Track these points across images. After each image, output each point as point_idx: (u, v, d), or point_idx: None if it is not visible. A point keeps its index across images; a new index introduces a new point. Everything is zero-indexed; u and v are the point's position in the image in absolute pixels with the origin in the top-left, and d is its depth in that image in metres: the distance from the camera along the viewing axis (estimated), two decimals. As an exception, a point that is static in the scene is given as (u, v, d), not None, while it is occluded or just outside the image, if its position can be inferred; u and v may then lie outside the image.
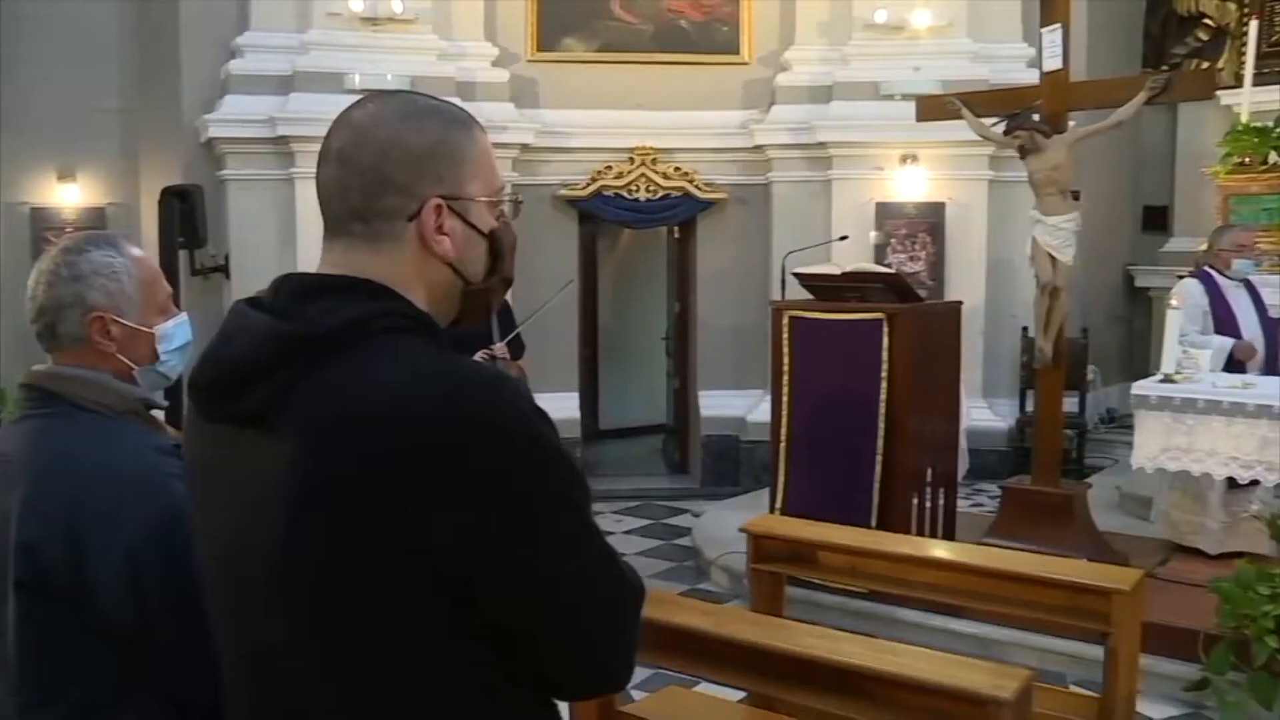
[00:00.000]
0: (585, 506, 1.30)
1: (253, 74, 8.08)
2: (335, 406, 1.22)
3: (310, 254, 7.79)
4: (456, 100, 7.23)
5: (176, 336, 1.98)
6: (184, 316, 2.02)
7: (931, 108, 6.58)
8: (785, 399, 5.98)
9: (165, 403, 2.00)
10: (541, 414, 1.26)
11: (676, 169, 8.88)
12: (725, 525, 6.92)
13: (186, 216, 7.28)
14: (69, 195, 8.53)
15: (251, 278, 7.16)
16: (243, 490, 1.31)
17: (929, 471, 5.82)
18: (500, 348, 5.94)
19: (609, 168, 8.83)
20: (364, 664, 1.26)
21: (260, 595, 1.31)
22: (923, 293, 6.84)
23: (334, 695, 1.28)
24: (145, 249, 2.03)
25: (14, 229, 8.42)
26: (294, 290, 1.33)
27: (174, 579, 1.69)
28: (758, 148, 8.86)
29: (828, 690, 3.28)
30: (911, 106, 6.83)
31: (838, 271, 6.03)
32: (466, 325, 1.45)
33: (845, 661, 3.21)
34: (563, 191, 8.80)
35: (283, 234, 7.88)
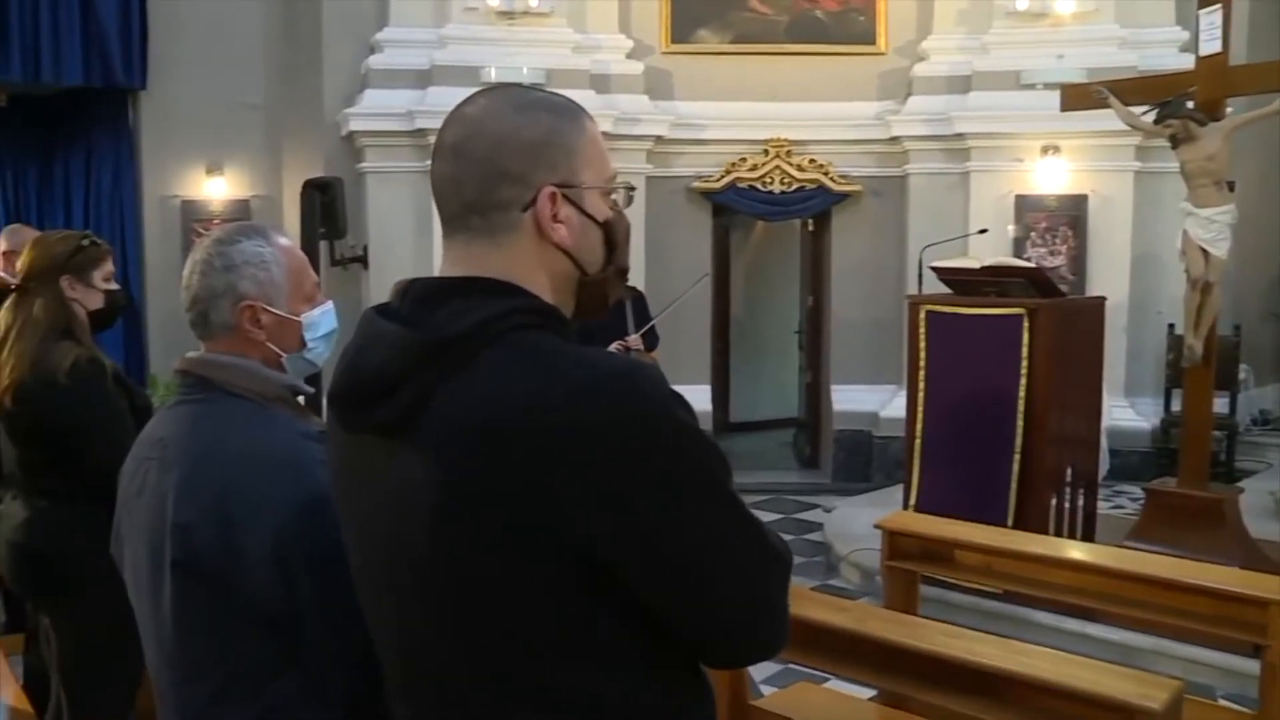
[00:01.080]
0: (727, 482, 1.30)
1: (392, 69, 8.25)
2: (472, 410, 1.23)
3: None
4: (590, 93, 7.36)
5: (323, 324, 2.02)
6: (330, 305, 2.05)
7: (1076, 97, 6.38)
8: (920, 394, 5.88)
9: (311, 389, 2.04)
10: (679, 399, 1.26)
11: (811, 161, 8.78)
12: (856, 521, 6.84)
13: (327, 208, 7.47)
14: (216, 188, 8.85)
15: (389, 268, 7.34)
16: (387, 499, 1.32)
17: (1068, 471, 5.66)
18: (635, 339, 5.96)
19: (743, 160, 8.79)
20: (516, 661, 1.27)
21: (411, 601, 1.33)
22: (1063, 288, 6.64)
23: (488, 693, 1.29)
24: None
25: (166, 221, 8.79)
26: (421, 295, 1.34)
27: (321, 562, 1.72)
28: (894, 139, 8.72)
29: (962, 691, 3.20)
30: (1053, 96, 6.65)
31: (977, 265, 5.90)
32: (584, 319, 1.44)
33: (982, 663, 3.13)
34: (696, 184, 8.79)
35: (420, 225, 8.03)
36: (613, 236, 1.41)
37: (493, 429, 1.21)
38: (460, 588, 1.26)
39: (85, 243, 3.22)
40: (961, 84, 8.51)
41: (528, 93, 1.41)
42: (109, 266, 3.27)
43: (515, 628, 1.26)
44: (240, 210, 8.83)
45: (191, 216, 8.79)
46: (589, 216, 1.38)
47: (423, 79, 8.17)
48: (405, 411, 1.27)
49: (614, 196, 1.42)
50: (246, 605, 1.76)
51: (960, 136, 8.40)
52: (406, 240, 8.04)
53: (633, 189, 1.52)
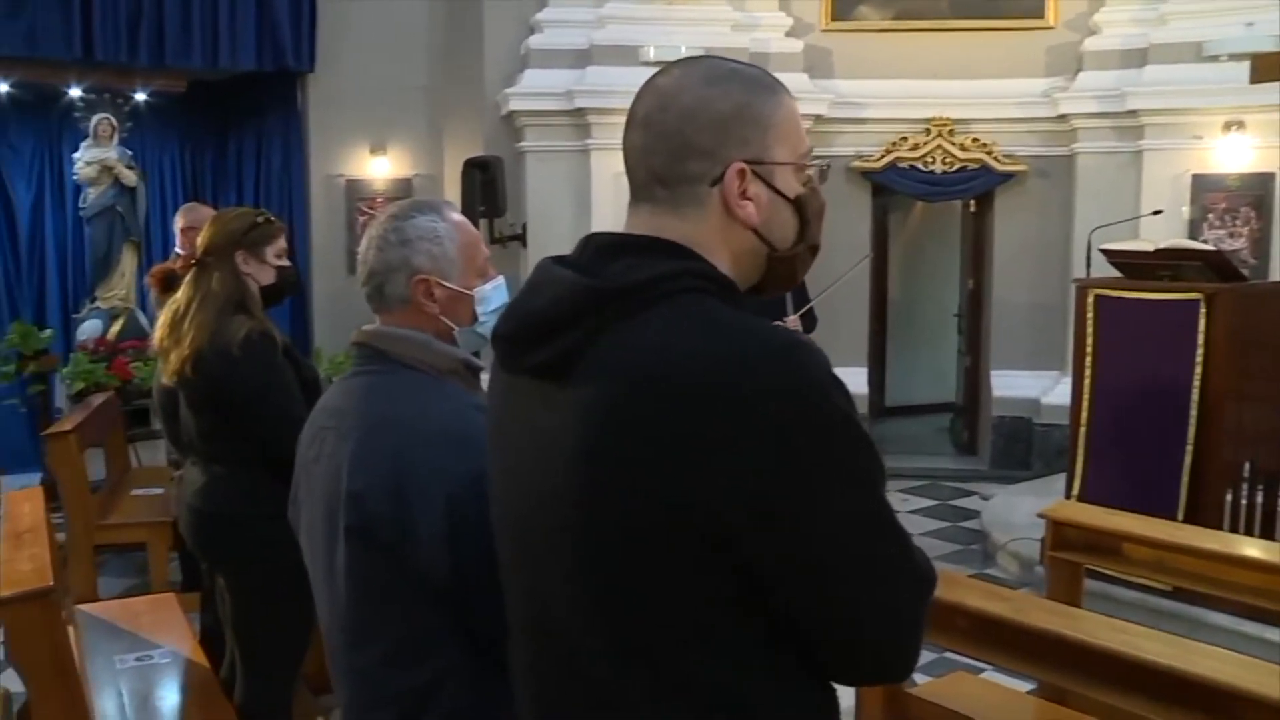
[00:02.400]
0: (877, 484, 1.26)
1: (551, 49, 8.32)
2: (631, 363, 1.23)
3: (604, 223, 8.03)
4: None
5: (494, 299, 2.04)
6: (501, 279, 2.08)
7: (1270, 67, 6.00)
8: (1087, 381, 5.68)
9: (483, 364, 2.07)
10: (838, 383, 1.22)
11: (974, 140, 8.55)
12: (1016, 510, 6.68)
13: (487, 187, 7.59)
14: (380, 168, 9.08)
15: (547, 246, 7.39)
16: (537, 442, 1.33)
17: (1247, 466, 5.39)
18: (793, 321, 5.91)
19: (904, 139, 8.61)
20: (636, 629, 1.26)
21: (543, 550, 1.33)
22: (1245, 272, 6.33)
23: (605, 651, 1.29)
24: (459, 217, 2.10)
25: (331, 199, 9.06)
26: (599, 248, 1.34)
27: (489, 533, 1.73)
28: (1061, 117, 8.41)
29: (1128, 689, 3.09)
30: (1238, 68, 6.31)
31: (1150, 248, 5.66)
32: (771, 294, 1.43)
33: (1154, 661, 3.01)
34: (856, 163, 8.64)
35: (578, 204, 8.10)
36: (805, 213, 1.39)
37: (646, 383, 1.21)
38: (590, 541, 1.26)
39: (260, 219, 3.33)
40: (1136, 57, 8.16)
41: (723, 65, 1.38)
42: (281, 243, 3.38)
43: (638, 589, 1.24)
44: (402, 189, 9.05)
45: (356, 195, 9.06)
46: (779, 193, 1.36)
47: (581, 59, 8.22)
48: (564, 355, 1.28)
49: (809, 172, 1.40)
50: (416, 573, 1.80)
51: (1133, 113, 8.05)
52: (565, 218, 8.12)
53: (828, 165, 1.50)
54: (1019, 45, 8.61)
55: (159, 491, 5.92)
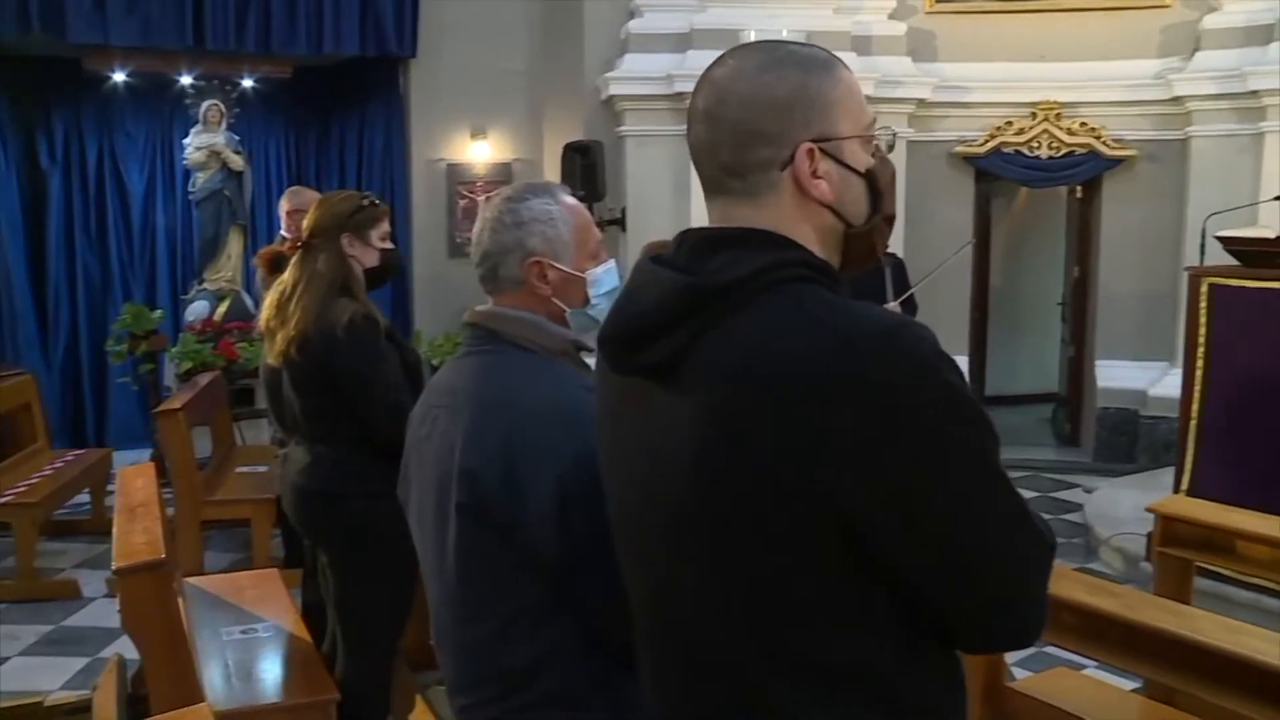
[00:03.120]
0: (991, 453, 1.25)
1: (651, 33, 8.28)
2: (739, 358, 1.23)
3: (703, 208, 7.99)
4: (851, 55, 7.20)
5: (605, 282, 2.05)
6: (612, 263, 2.09)
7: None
8: (1199, 373, 5.51)
9: (593, 346, 2.07)
10: (947, 359, 1.22)
11: (1082, 124, 8.34)
12: (1120, 504, 6.52)
13: (587, 171, 7.60)
14: (480, 152, 9.16)
15: (647, 230, 7.40)
16: (649, 440, 1.35)
17: (1370, 462, 5.20)
18: (893, 307, 5.84)
19: (1009, 123, 8.43)
20: (760, 614, 1.27)
21: (662, 543, 1.35)
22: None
23: (731, 646, 1.30)
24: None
25: (432, 183, 9.16)
26: (696, 244, 1.35)
27: (598, 513, 1.72)
28: (1175, 99, 8.14)
29: (1242, 692, 2.99)
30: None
31: (1272, 235, 5.46)
32: (852, 271, 1.42)
33: (1271, 664, 2.91)
34: (959, 149, 8.48)
35: (678, 187, 8.07)
36: (876, 185, 1.39)
37: (756, 377, 1.21)
38: (711, 536, 1.27)
39: (365, 202, 3.37)
40: (1261, 35, 7.83)
41: (776, 48, 1.38)
42: (385, 226, 3.42)
43: (761, 582, 1.25)
44: (502, 173, 9.12)
45: (456, 179, 9.15)
46: (849, 168, 1.36)
47: (682, 42, 8.17)
48: (672, 355, 1.29)
49: (875, 143, 1.40)
50: (526, 550, 1.82)
51: (1255, 94, 7.73)
52: (664, 203, 8.10)
53: (894, 133, 1.51)
54: (1131, 25, 8.36)
55: (263, 469, 6.05)
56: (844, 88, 1.36)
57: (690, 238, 1.37)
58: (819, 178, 1.33)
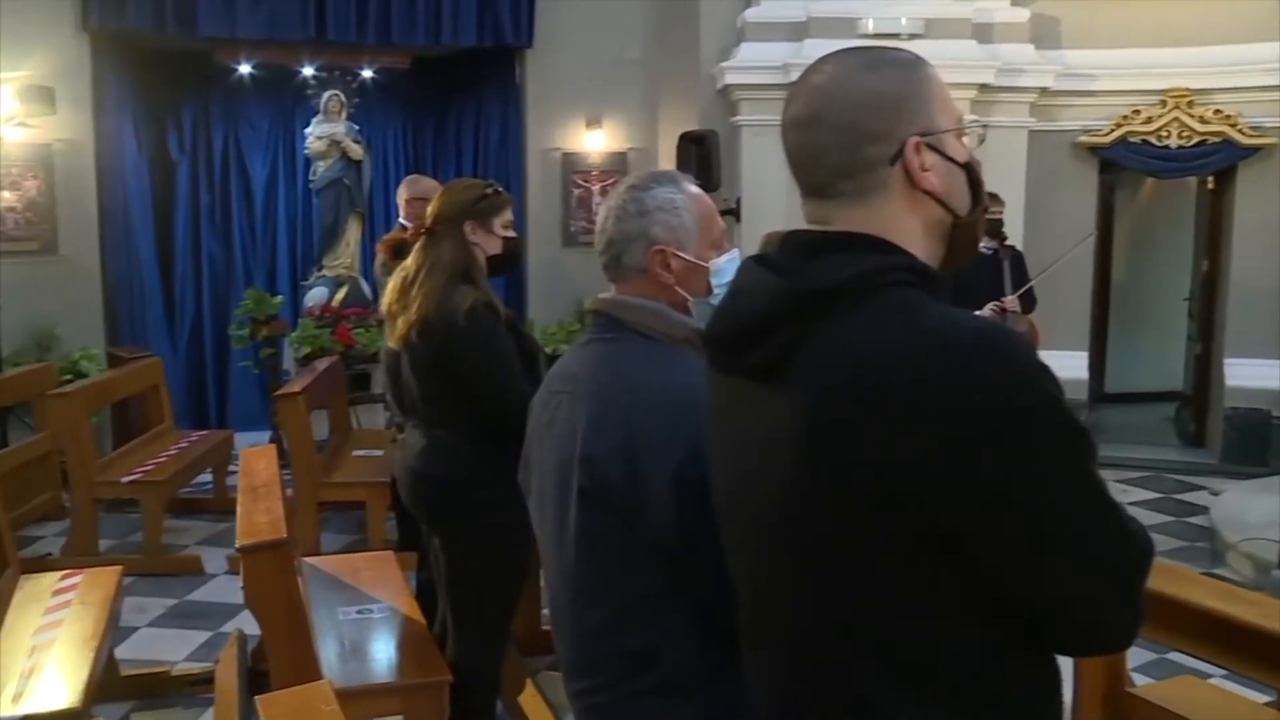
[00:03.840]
0: (1088, 459, 1.26)
1: (768, 21, 8.22)
2: (839, 362, 1.25)
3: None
4: (972, 43, 7.06)
5: (728, 271, 2.02)
6: (736, 252, 2.06)
7: None
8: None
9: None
10: (1043, 369, 1.23)
11: (1216, 112, 8.05)
12: (1250, 508, 6.30)
13: (702, 161, 7.57)
14: (595, 141, 9.20)
15: (761, 220, 7.35)
16: (752, 439, 1.38)
17: None
18: (1011, 300, 5.72)
19: (1136, 112, 8.19)
20: (861, 614, 1.29)
21: (766, 540, 1.38)
22: None
23: (833, 645, 1.32)
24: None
25: (547, 172, 9.24)
26: (799, 246, 1.38)
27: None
28: (1319, 84, 7.80)
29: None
30: None
31: None
32: (956, 263, 1.45)
33: None
34: (1083, 138, 8.27)
35: (792, 178, 8.01)
36: (975, 176, 1.43)
37: (856, 381, 1.24)
38: (812, 537, 1.30)
39: (489, 191, 3.39)
40: None
41: (869, 51, 1.42)
42: (508, 215, 3.44)
43: (861, 583, 1.28)
44: (617, 163, 9.16)
45: (571, 168, 9.21)
46: (951, 160, 1.40)
47: (798, 31, 8.10)
48: (773, 357, 1.32)
49: (964, 138, 1.43)
50: (644, 537, 1.82)
51: None
52: (779, 193, 7.99)
53: (985, 127, 1.56)
54: (1269, 6, 8.00)
55: (378, 453, 6.16)
56: (937, 84, 1.40)
57: (794, 239, 1.40)
58: (926, 170, 1.37)
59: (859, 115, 1.35)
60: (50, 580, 4.22)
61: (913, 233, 1.38)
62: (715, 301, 2.01)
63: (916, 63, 1.41)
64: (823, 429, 1.25)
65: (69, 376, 7.37)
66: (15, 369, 7.23)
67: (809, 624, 1.34)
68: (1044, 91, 8.10)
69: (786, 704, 1.42)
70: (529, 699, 4.11)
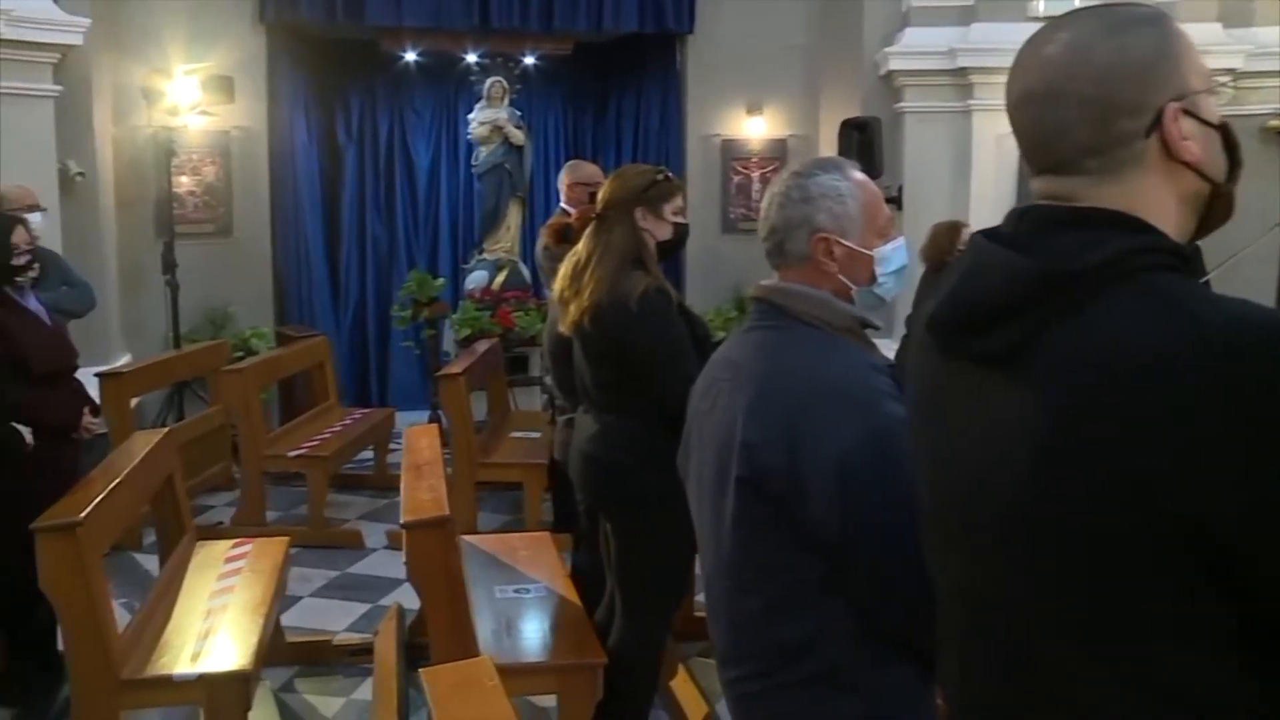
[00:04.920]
0: None
1: (934, 5, 8.04)
2: (1094, 351, 1.13)
3: (984, 187, 7.73)
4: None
5: (894, 260, 2.00)
6: (901, 241, 2.04)
7: None
8: None
9: (879, 324, 2.02)
10: None
11: None
12: None
13: (864, 148, 7.44)
14: (755, 128, 9.14)
15: (924, 209, 7.20)
16: (979, 428, 1.26)
17: None
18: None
19: (1334, 93, 7.73)
20: (1091, 623, 1.17)
21: (988, 544, 1.26)
22: None
23: (1063, 653, 1.21)
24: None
25: (707, 158, 9.22)
26: (1041, 222, 1.25)
27: (879, 495, 1.73)
28: None
29: None
30: None
31: None
32: (1204, 235, 1.32)
33: None
34: (1274, 122, 7.82)
35: (957, 165, 7.84)
36: (1231, 137, 1.28)
37: (1117, 373, 1.10)
38: (1050, 537, 1.17)
39: (660, 177, 3.39)
40: None
41: (1108, 12, 1.27)
42: (679, 201, 3.43)
43: (1096, 590, 1.15)
44: (777, 150, 9.09)
45: (730, 155, 9.18)
46: (1207, 123, 1.25)
47: (965, 15, 7.90)
48: (1013, 344, 1.20)
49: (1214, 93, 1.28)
50: (803, 526, 1.80)
51: None
52: (943, 181, 7.87)
53: (1231, 80, 1.36)
54: None
55: (536, 435, 6.24)
56: (1184, 40, 1.26)
57: (1035, 214, 1.27)
58: (1186, 138, 1.23)
59: (1108, 87, 1.22)
60: (223, 547, 4.40)
61: (1167, 208, 1.24)
62: (880, 290, 2.00)
63: (1161, 19, 1.26)
64: (1070, 425, 1.14)
65: (241, 354, 7.68)
66: (192, 345, 7.56)
67: (1031, 629, 1.24)
68: (1233, 73, 7.71)
69: (991, 709, 1.33)
70: (681, 684, 4.11)
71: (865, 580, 1.78)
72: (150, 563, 5.28)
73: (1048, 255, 1.19)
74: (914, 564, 1.49)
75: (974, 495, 1.28)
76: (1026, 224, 1.26)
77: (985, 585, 1.30)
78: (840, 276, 1.96)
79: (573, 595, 3.85)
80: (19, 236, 3.96)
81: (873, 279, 1.98)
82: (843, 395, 1.81)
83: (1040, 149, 1.28)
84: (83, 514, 3.23)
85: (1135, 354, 1.10)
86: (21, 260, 3.94)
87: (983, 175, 7.74)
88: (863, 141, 7.42)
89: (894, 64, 8.06)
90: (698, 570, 3.49)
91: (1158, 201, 1.23)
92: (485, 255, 9.05)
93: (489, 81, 9.02)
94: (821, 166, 1.99)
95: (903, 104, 8.12)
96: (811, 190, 1.94)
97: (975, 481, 1.27)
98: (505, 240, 9.05)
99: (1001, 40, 7.19)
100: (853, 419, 1.77)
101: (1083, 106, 1.23)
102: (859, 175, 2.00)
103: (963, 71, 7.72)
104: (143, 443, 4.16)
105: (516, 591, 3.93)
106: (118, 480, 3.61)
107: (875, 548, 1.75)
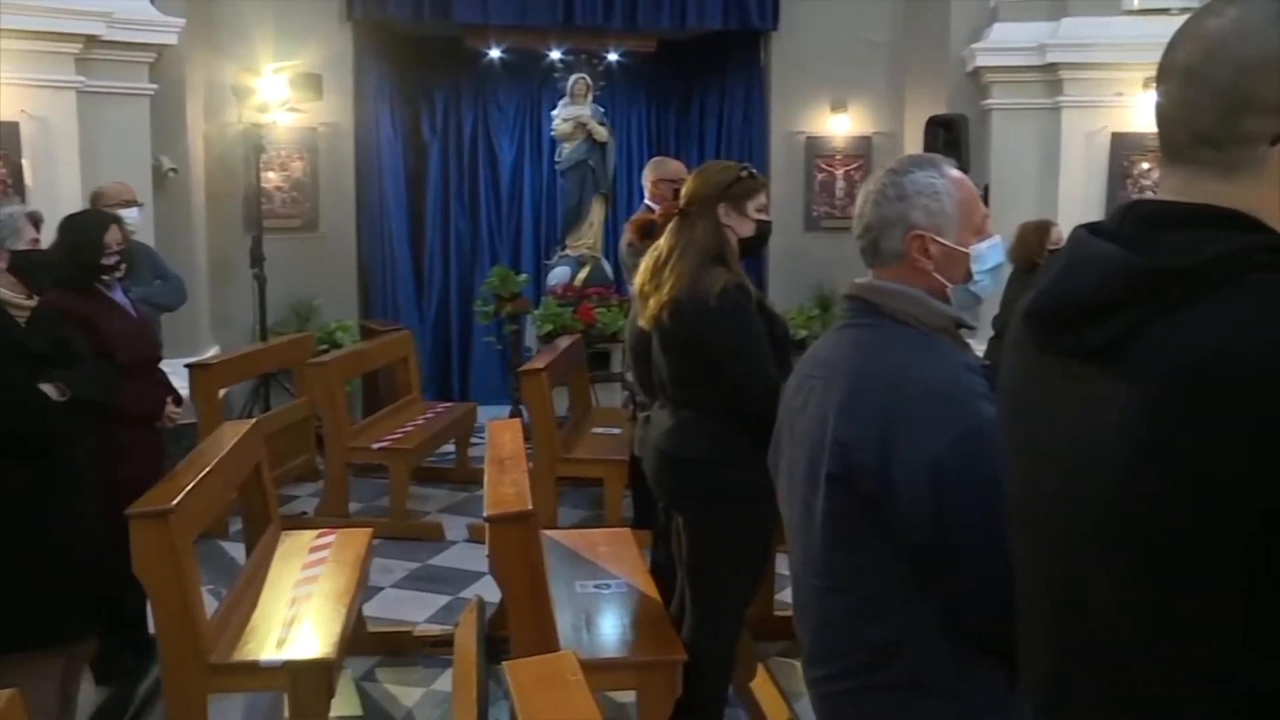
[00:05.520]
0: None
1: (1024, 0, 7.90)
2: (1200, 351, 1.08)
3: (1073, 186, 7.58)
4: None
5: (990, 258, 1.98)
6: (997, 239, 2.01)
7: None
8: None
9: (975, 323, 1.99)
10: None
11: None
12: None
13: (950, 146, 7.34)
14: (839, 125, 9.07)
15: (1011, 209, 7.08)
16: (1073, 425, 1.22)
17: None
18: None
19: None
20: (1185, 626, 1.13)
21: (1079, 543, 1.23)
22: None
23: (1141, 650, 1.17)
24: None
25: (790, 156, 9.17)
26: (1144, 218, 1.19)
27: (971, 495, 1.71)
28: None
29: None
30: None
31: None
32: None
33: None
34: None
35: (1045, 164, 7.70)
36: None
37: (1216, 375, 1.06)
38: (1140, 539, 1.14)
39: (743, 174, 3.37)
40: None
41: None
42: (762, 198, 3.41)
43: (1191, 595, 1.11)
44: (861, 147, 9.01)
45: (814, 152, 9.11)
46: None
47: (1056, 9, 7.71)
48: (1114, 339, 1.15)
49: None
50: (894, 527, 1.79)
51: None
52: (1030, 180, 7.73)
53: None
54: None
55: (616, 431, 6.25)
56: None
57: (1141, 210, 1.22)
58: None
59: (1248, 79, 1.12)
60: (307, 537, 4.46)
61: (1274, 222, 1.15)
62: (975, 289, 1.97)
63: None
64: (1170, 426, 1.09)
65: (325, 346, 7.80)
66: (278, 338, 7.69)
67: (1121, 629, 1.20)
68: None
69: (1078, 707, 1.29)
70: (760, 684, 4.09)
71: (956, 582, 1.76)
72: (236, 550, 5.37)
73: (1152, 251, 1.15)
74: (1006, 567, 1.46)
75: (1065, 493, 1.25)
76: (1132, 219, 1.21)
77: (1075, 586, 1.26)
78: (936, 275, 1.94)
79: (653, 592, 3.85)
80: (111, 236, 4.06)
81: (969, 277, 1.96)
82: (937, 394, 1.79)
83: (1164, 125, 1.22)
84: (174, 501, 3.29)
85: (1240, 354, 1.06)
86: (111, 260, 4.04)
87: (1072, 174, 7.58)
88: (949, 139, 7.33)
89: (981, 60, 7.93)
90: (778, 569, 3.49)
91: (1263, 213, 1.16)
92: (568, 251, 9.09)
93: (573, 78, 9.06)
94: (917, 164, 1.98)
95: (990, 101, 7.98)
96: (907, 188, 1.93)
97: (1067, 478, 1.24)
98: (588, 236, 9.08)
99: (1094, 35, 7.07)
100: (946, 419, 1.75)
101: (1215, 93, 1.15)
102: (955, 172, 1.98)
103: (1052, 67, 7.56)
104: (231, 433, 4.23)
105: (597, 587, 3.93)
106: (208, 469, 3.68)
107: (967, 550, 1.73)
